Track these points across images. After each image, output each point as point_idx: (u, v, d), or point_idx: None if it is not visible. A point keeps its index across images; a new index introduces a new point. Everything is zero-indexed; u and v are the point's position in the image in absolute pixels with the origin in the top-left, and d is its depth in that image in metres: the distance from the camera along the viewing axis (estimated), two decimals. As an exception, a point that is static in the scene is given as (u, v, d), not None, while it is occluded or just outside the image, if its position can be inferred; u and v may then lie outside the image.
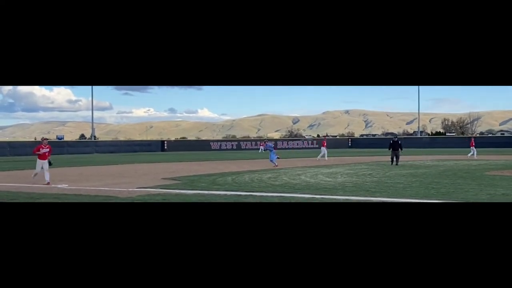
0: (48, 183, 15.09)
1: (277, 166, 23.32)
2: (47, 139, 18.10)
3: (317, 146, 66.13)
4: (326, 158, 30.57)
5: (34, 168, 16.32)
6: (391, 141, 24.33)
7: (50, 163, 16.53)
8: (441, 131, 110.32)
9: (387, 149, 24.92)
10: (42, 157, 15.84)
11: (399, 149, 23.63)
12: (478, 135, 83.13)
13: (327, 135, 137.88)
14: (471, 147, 33.02)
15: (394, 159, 23.42)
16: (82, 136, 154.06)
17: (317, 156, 31.14)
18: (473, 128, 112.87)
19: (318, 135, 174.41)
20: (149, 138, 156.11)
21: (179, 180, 16.28)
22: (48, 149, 16.16)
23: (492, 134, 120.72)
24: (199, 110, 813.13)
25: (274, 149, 25.21)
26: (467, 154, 32.79)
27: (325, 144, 32.06)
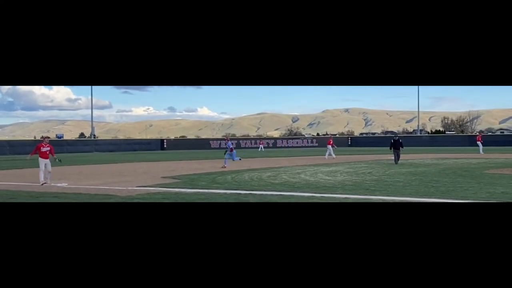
0: (45, 183, 14.99)
1: (225, 167, 21.59)
2: (48, 137, 18.04)
3: (316, 144, 66.32)
4: (326, 157, 30.47)
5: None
6: (392, 140, 24.30)
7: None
8: (441, 130, 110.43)
9: (388, 148, 24.88)
10: (44, 155, 15.70)
11: (400, 147, 23.61)
12: (477, 133, 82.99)
13: (326, 134, 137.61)
14: (478, 141, 32.96)
15: (396, 157, 23.40)
16: (82, 134, 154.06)
17: (332, 155, 30.47)
18: (473, 127, 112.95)
19: (318, 134, 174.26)
20: (148, 137, 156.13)
21: (178, 179, 16.28)
22: (49, 148, 15.92)
23: (492, 132, 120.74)
24: (199, 109, 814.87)
25: (232, 150, 22.80)
26: (479, 152, 32.75)
27: (331, 142, 31.79)
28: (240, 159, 23.27)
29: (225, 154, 23.03)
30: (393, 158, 23.89)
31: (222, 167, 21.43)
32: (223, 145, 65.13)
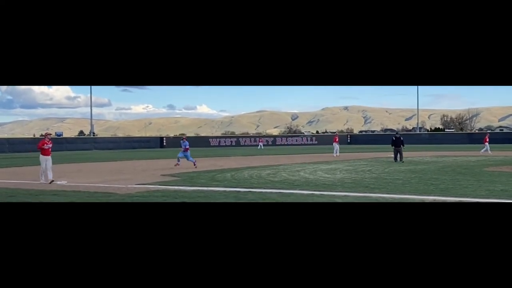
0: (52, 181, 14.94)
1: (178, 165, 21.07)
2: (50, 134, 18.05)
3: (316, 142, 66.43)
4: (338, 154, 30.64)
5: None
6: (393, 138, 24.33)
7: None
8: (440, 127, 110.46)
9: (390, 146, 24.88)
10: (46, 152, 15.67)
11: (401, 145, 23.58)
12: (477, 131, 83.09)
13: (326, 131, 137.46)
14: (485, 143, 33.16)
15: (398, 155, 23.36)
16: (81, 132, 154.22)
17: (334, 153, 30.85)
18: (472, 124, 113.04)
19: (317, 131, 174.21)
20: (148, 135, 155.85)
21: (178, 177, 16.29)
22: (51, 145, 15.98)
23: (491, 130, 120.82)
24: (198, 107, 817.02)
25: (187, 150, 21.82)
26: (480, 150, 32.87)
27: (337, 140, 32.14)
28: (195, 163, 21.35)
29: (179, 152, 22.01)
30: (393, 156, 23.91)
31: (176, 165, 20.90)
32: (222, 143, 65.31)
